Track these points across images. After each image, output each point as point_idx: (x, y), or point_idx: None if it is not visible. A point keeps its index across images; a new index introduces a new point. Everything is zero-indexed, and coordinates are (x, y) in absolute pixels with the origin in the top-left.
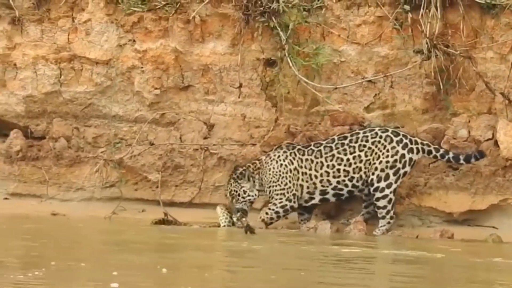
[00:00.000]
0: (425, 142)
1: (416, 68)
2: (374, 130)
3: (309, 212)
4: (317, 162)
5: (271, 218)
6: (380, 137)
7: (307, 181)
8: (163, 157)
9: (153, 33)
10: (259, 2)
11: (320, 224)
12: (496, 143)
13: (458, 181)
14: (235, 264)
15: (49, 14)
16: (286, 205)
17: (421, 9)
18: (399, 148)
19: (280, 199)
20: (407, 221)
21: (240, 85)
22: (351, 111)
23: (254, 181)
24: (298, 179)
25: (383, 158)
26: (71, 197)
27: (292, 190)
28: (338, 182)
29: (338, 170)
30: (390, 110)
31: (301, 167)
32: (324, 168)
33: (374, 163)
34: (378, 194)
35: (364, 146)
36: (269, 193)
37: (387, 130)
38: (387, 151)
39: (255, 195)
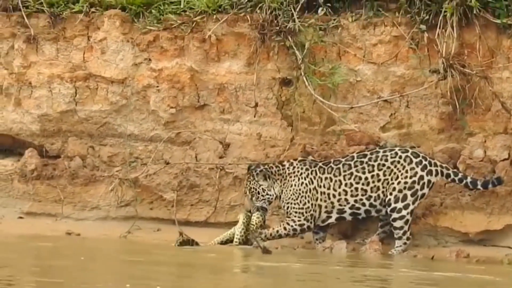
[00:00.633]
0: (444, 165)
1: (432, 88)
2: (394, 150)
3: (324, 231)
4: (335, 181)
5: (287, 234)
6: (400, 157)
7: (325, 201)
8: (179, 176)
9: (168, 52)
10: (275, 22)
11: (336, 244)
12: None
13: (474, 201)
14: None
15: (65, 33)
16: (304, 224)
17: (438, 29)
18: (418, 169)
19: (299, 218)
20: (423, 241)
21: (256, 104)
22: (367, 131)
23: (273, 182)
24: (317, 199)
25: (402, 178)
26: (86, 216)
27: (311, 210)
28: (355, 201)
29: (356, 188)
30: (406, 130)
31: (320, 186)
32: (342, 186)
33: (393, 183)
34: (395, 215)
35: (383, 165)
36: (287, 209)
37: (407, 151)
38: (406, 172)
39: (273, 195)
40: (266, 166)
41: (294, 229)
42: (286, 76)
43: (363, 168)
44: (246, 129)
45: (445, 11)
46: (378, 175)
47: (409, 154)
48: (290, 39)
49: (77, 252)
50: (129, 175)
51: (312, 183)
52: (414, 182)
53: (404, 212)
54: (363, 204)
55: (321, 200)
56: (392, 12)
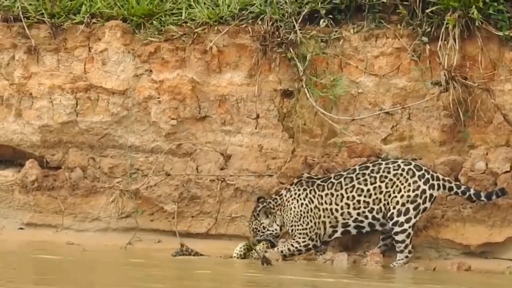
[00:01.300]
0: (446, 179)
1: (434, 100)
2: (397, 162)
3: (325, 244)
4: (337, 195)
5: (292, 254)
6: (403, 169)
7: (329, 217)
8: (180, 188)
9: (170, 63)
10: (277, 33)
11: (337, 256)
12: None
13: (475, 214)
14: None
15: (66, 44)
16: (309, 244)
17: (439, 41)
18: (420, 183)
19: (304, 238)
20: (424, 253)
21: (257, 116)
22: (368, 143)
23: (275, 216)
24: (320, 217)
25: (404, 192)
26: (87, 227)
27: (314, 229)
28: (358, 214)
29: (358, 201)
30: (408, 142)
31: (322, 203)
32: (345, 200)
33: (395, 196)
34: (397, 229)
35: (386, 177)
36: (291, 231)
37: (410, 164)
38: (409, 185)
39: (276, 229)
40: (264, 204)
41: (299, 250)
42: (288, 88)
43: (365, 180)
44: (247, 140)
45: (447, 23)
46: (380, 187)
47: (412, 167)
48: (291, 50)
49: (78, 263)
50: (130, 186)
51: (312, 202)
52: (416, 196)
53: (406, 226)
54: (366, 217)
55: (324, 216)
56: (394, 24)
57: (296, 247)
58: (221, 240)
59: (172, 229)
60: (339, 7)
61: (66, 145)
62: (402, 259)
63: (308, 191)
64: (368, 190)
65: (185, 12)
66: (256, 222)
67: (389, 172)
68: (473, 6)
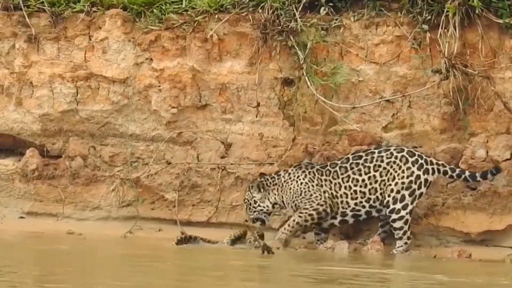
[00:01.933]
0: (440, 163)
1: (434, 88)
2: (389, 150)
3: (325, 232)
4: (335, 183)
5: (305, 220)
6: (396, 157)
7: (331, 199)
8: (180, 176)
9: (170, 52)
10: (277, 21)
11: (338, 244)
12: None
13: (476, 201)
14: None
15: (66, 32)
16: (318, 208)
17: (440, 29)
18: (414, 169)
19: (311, 204)
20: (425, 241)
21: (258, 104)
22: (369, 131)
23: (268, 193)
24: (324, 192)
25: (399, 179)
26: (87, 216)
27: (321, 197)
28: (356, 204)
29: (355, 191)
30: (408, 130)
31: (322, 186)
32: (342, 189)
33: (390, 184)
34: (394, 216)
35: (379, 166)
36: (295, 206)
37: (403, 150)
38: (403, 172)
39: (267, 206)
40: (264, 177)
41: (310, 214)
42: (288, 76)
43: (359, 170)
44: (248, 129)
45: (447, 11)
46: (374, 176)
47: (404, 153)
48: (292, 38)
49: (78, 252)
50: (130, 175)
51: (313, 181)
52: (411, 182)
53: (403, 213)
54: (363, 206)
55: (326, 197)
56: (394, 12)
57: (307, 212)
58: (222, 228)
59: (173, 217)
60: None
61: (67, 134)
62: (401, 245)
63: (307, 173)
64: (363, 180)
65: (186, 0)
66: (248, 194)
67: (382, 161)
68: None
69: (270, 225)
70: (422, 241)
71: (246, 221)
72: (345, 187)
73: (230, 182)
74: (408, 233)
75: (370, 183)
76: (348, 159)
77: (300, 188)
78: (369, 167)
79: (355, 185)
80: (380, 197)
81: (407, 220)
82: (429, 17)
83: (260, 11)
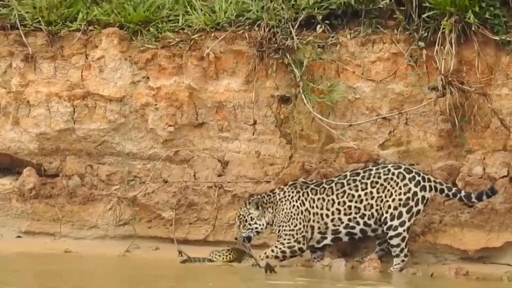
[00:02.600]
0: (437, 181)
1: (431, 105)
2: (387, 166)
3: (321, 250)
4: (328, 200)
5: (276, 257)
6: (393, 173)
7: (318, 222)
8: (177, 195)
9: (167, 70)
10: (273, 39)
11: (335, 262)
12: (511, 180)
13: (473, 219)
14: None
15: (62, 51)
16: (294, 246)
17: (436, 46)
18: (411, 185)
19: (289, 240)
20: (422, 258)
21: (255, 122)
22: (366, 148)
23: (264, 211)
24: (309, 220)
25: (396, 195)
26: (85, 235)
27: (302, 231)
28: (349, 220)
29: (349, 207)
30: (405, 147)
31: (313, 207)
32: (336, 205)
33: (387, 201)
34: (391, 233)
35: (377, 182)
36: (279, 232)
37: (400, 167)
38: (400, 188)
39: (263, 225)
40: (258, 196)
41: (283, 252)
42: (285, 94)
43: (356, 186)
44: (245, 147)
45: (443, 28)
46: (371, 192)
47: (402, 170)
48: (288, 56)
49: (76, 271)
50: (127, 193)
51: (304, 204)
52: (408, 198)
53: (400, 230)
54: (357, 223)
55: (313, 221)
56: (390, 29)
57: (280, 248)
58: (219, 246)
59: (170, 236)
60: (335, 13)
61: (64, 153)
62: (398, 263)
63: (301, 194)
64: (359, 196)
65: (182, 19)
66: (244, 210)
67: (379, 177)
68: (470, 11)
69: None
70: (419, 258)
71: (236, 238)
72: (339, 203)
73: (227, 200)
74: (405, 250)
75: (366, 199)
76: (345, 176)
77: (290, 212)
78: (366, 183)
79: (350, 201)
80: (375, 213)
81: (404, 237)
82: (426, 34)
83: (257, 29)
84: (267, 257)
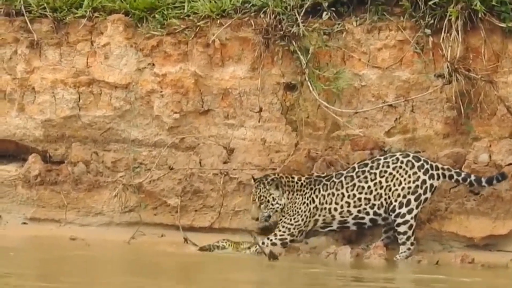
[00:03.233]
0: (446, 167)
1: (437, 93)
2: (395, 155)
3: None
4: (337, 194)
5: (267, 246)
6: (402, 162)
7: (324, 215)
8: (183, 182)
9: (172, 57)
10: (279, 26)
11: (340, 250)
12: None
13: (479, 206)
14: None
15: (68, 38)
16: (286, 239)
17: (442, 33)
18: (420, 174)
19: (283, 233)
20: (428, 246)
21: (260, 109)
22: (371, 136)
23: (283, 193)
24: (313, 215)
25: (405, 184)
26: (90, 221)
27: (301, 227)
28: (359, 211)
29: (359, 199)
30: (411, 135)
31: (322, 203)
32: (345, 199)
33: (396, 189)
34: (399, 220)
35: (385, 171)
36: (279, 218)
37: (408, 155)
38: (409, 176)
39: (282, 205)
40: (275, 176)
41: (273, 243)
42: (291, 81)
43: (365, 177)
44: (251, 134)
45: (450, 15)
46: (380, 182)
47: (410, 158)
48: (294, 43)
49: (81, 257)
50: (133, 180)
51: (313, 202)
52: (417, 186)
53: (408, 217)
54: (367, 213)
55: (319, 215)
56: (396, 16)
57: (272, 240)
58: (224, 233)
59: (175, 223)
60: (341, 0)
61: (69, 140)
62: (404, 251)
63: (313, 191)
64: (369, 187)
65: (188, 6)
66: (264, 191)
67: (388, 166)
68: None
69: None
70: (425, 246)
71: (257, 219)
72: (348, 196)
73: (232, 188)
74: (412, 238)
75: (376, 189)
76: (354, 168)
77: (299, 208)
78: (375, 174)
79: (360, 193)
80: (384, 203)
81: (411, 225)
82: (432, 21)
83: (262, 16)
84: (262, 243)
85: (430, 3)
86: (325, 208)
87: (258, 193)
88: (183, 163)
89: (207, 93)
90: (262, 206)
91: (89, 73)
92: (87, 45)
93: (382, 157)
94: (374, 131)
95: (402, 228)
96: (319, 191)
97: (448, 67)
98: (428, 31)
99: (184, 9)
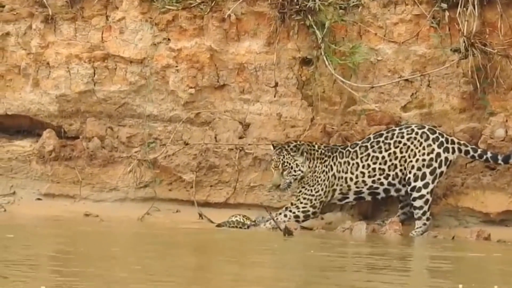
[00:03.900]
0: (462, 142)
1: (453, 67)
2: (410, 126)
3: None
4: (353, 164)
5: (289, 219)
6: (416, 133)
7: (341, 185)
8: (198, 157)
9: (188, 32)
10: (295, 0)
11: (356, 225)
12: None
13: (495, 181)
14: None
15: (83, 13)
16: (309, 211)
17: (459, 7)
18: (435, 146)
19: (305, 204)
20: (444, 221)
21: (276, 84)
22: (387, 111)
23: (306, 159)
24: (333, 185)
25: (420, 156)
26: (105, 197)
27: (322, 197)
28: (373, 181)
29: (374, 169)
30: (427, 110)
31: (339, 171)
32: (360, 169)
33: (411, 161)
34: (414, 194)
35: (400, 142)
36: (299, 192)
37: (424, 127)
38: (423, 148)
39: (304, 172)
40: (298, 143)
41: (296, 216)
42: (306, 56)
43: (380, 147)
44: (266, 109)
45: None
46: (395, 152)
47: (425, 130)
48: (310, 18)
49: (96, 233)
50: (148, 156)
51: (332, 170)
52: (431, 159)
53: (423, 191)
54: (381, 184)
55: (336, 185)
56: None
57: (294, 213)
58: (239, 209)
59: (190, 198)
60: None
61: (84, 115)
62: (420, 226)
63: (331, 158)
64: (383, 158)
65: None
66: (289, 157)
67: (402, 137)
68: None
69: None
70: (441, 221)
71: (278, 186)
72: (363, 166)
73: (248, 163)
74: (428, 214)
75: (390, 160)
76: (369, 138)
77: (318, 176)
78: (389, 144)
79: (374, 163)
80: (399, 173)
81: (427, 200)
82: None
83: None
84: (284, 215)
85: None
86: (342, 177)
87: (282, 159)
88: (198, 138)
89: (223, 68)
90: (285, 172)
91: (104, 48)
92: (102, 20)
93: (397, 128)
94: (390, 106)
95: (418, 203)
96: (336, 159)
97: (464, 41)
98: (444, 5)
99: None
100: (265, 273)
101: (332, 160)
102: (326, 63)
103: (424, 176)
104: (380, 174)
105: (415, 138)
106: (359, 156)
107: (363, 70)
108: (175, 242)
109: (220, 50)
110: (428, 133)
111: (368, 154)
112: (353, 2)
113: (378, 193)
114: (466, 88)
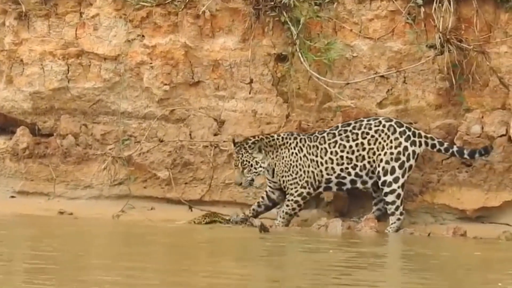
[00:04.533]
0: (429, 136)
1: (429, 63)
2: (378, 119)
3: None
4: (321, 149)
5: (293, 209)
6: (384, 126)
7: (315, 168)
8: (173, 154)
9: (162, 28)
10: None
11: (331, 222)
12: (509, 139)
13: (471, 178)
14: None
15: (56, 9)
16: (302, 192)
17: (434, 3)
18: (402, 140)
19: (296, 188)
20: (420, 218)
21: (251, 81)
22: (363, 107)
23: (266, 154)
24: (308, 166)
25: (387, 149)
26: (79, 195)
27: (304, 177)
28: (341, 170)
29: (341, 157)
30: (403, 106)
31: (310, 154)
32: (328, 154)
33: (379, 154)
34: (386, 189)
35: (367, 133)
36: (283, 183)
37: (391, 120)
38: (391, 142)
39: (265, 167)
40: (256, 139)
41: (296, 201)
42: (281, 52)
43: (347, 136)
44: (241, 106)
45: None
46: (362, 143)
47: (393, 123)
48: (285, 14)
49: (69, 231)
50: (122, 153)
51: (302, 151)
52: (399, 153)
53: (394, 186)
54: (349, 173)
55: (311, 166)
56: None
57: (292, 199)
58: (214, 206)
59: (165, 196)
60: None
61: (58, 112)
62: (394, 222)
63: (298, 140)
64: (351, 147)
65: None
66: (247, 155)
67: (370, 129)
68: None
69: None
70: (417, 218)
71: (240, 184)
72: (331, 152)
73: (223, 160)
74: (401, 208)
75: (358, 150)
76: (337, 127)
77: (290, 160)
78: (357, 134)
79: (342, 151)
80: (367, 165)
81: (399, 194)
82: None
83: None
84: (286, 213)
85: None
86: (313, 160)
87: (241, 158)
88: (173, 135)
89: (197, 65)
90: (245, 170)
91: (78, 45)
92: (76, 17)
93: (365, 119)
94: (366, 103)
95: (390, 198)
96: (304, 141)
97: (440, 37)
98: (419, 1)
99: None
100: (242, 269)
101: (300, 142)
102: (301, 59)
103: (393, 170)
104: (348, 164)
105: (382, 131)
106: (327, 141)
107: (338, 66)
108: (150, 240)
109: (194, 47)
110: (395, 126)
111: (336, 141)
112: None
113: (345, 184)
114: (442, 84)
